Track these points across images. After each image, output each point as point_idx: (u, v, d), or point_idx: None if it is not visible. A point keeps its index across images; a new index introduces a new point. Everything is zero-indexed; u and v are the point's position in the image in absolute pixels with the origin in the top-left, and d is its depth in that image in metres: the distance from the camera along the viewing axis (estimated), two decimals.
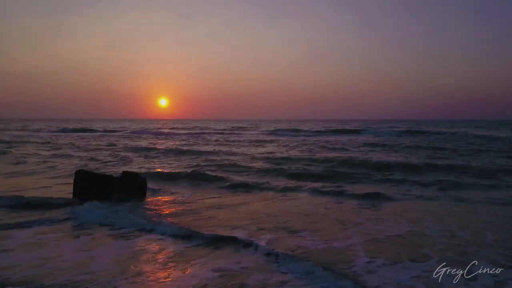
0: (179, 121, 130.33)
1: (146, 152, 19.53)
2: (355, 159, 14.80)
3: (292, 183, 10.29)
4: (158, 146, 22.57)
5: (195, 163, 14.48)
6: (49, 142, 26.36)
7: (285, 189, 9.48)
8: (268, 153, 18.27)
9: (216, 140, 28.94)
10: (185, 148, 21.18)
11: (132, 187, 8.47)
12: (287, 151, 19.68)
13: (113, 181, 8.51)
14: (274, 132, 41.76)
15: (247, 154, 17.66)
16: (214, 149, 20.54)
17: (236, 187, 9.86)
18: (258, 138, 31.05)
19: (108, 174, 9.43)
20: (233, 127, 57.89)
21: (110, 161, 15.63)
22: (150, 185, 9.27)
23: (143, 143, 25.76)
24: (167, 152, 19.37)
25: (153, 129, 52.24)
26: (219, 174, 11.77)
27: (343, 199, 8.30)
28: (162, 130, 48.29)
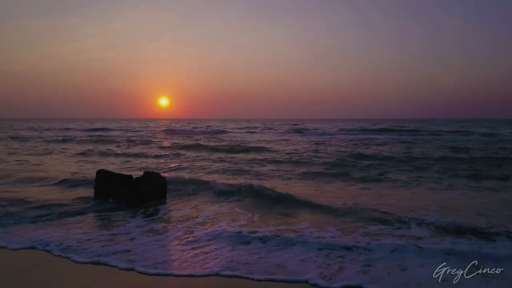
0: (187, 120, 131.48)
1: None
2: None
3: None
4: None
5: None
6: (150, 142, 26.82)
7: None
8: None
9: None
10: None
11: (153, 188, 8.33)
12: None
13: (133, 182, 8.40)
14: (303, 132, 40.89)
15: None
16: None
17: None
18: (313, 139, 29.84)
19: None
20: (248, 127, 57.66)
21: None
22: None
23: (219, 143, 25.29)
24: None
25: (172, 128, 52.18)
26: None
27: None
28: (182, 129, 48.97)
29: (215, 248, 5.07)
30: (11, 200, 8.03)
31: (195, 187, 9.62)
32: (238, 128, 53.69)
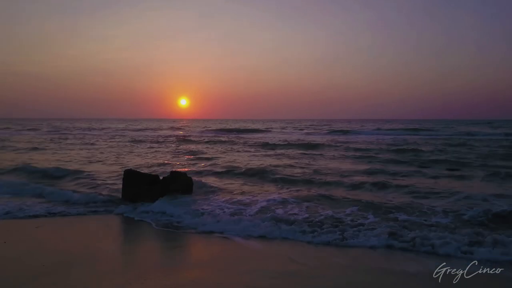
0: (211, 121, 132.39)
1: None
2: None
3: None
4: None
5: None
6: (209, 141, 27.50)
7: None
8: None
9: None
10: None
11: (180, 187, 8.50)
12: None
13: (160, 182, 8.57)
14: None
15: None
16: None
17: None
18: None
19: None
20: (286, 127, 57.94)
21: None
22: None
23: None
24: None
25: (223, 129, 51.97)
26: None
27: None
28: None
29: None
30: None
31: None
32: (281, 129, 53.69)
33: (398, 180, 10.79)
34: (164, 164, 14.74)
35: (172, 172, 8.88)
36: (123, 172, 8.79)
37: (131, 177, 8.65)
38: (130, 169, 9.22)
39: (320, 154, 18.23)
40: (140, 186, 8.42)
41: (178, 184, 8.47)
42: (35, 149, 21.33)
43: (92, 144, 25.77)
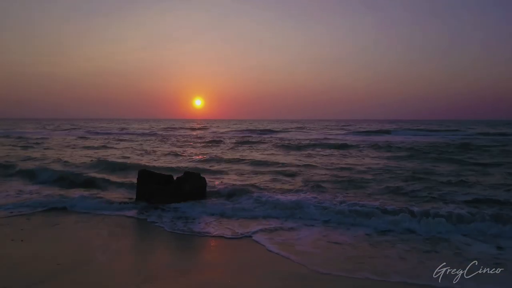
0: (226, 121, 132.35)
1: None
2: None
3: None
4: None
5: None
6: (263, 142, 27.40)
7: None
8: None
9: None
10: None
11: (193, 187, 8.48)
12: None
13: (174, 182, 8.57)
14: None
15: None
16: None
17: None
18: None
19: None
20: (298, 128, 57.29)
21: None
22: None
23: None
24: None
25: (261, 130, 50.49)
26: None
27: None
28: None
29: None
30: None
31: None
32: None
33: None
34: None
35: (185, 172, 8.88)
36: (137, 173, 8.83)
37: (146, 177, 8.69)
38: (145, 169, 9.26)
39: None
40: (153, 186, 8.44)
41: (191, 184, 8.45)
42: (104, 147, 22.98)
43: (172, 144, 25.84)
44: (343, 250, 5.34)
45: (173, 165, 14.28)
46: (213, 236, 6.13)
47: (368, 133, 40.42)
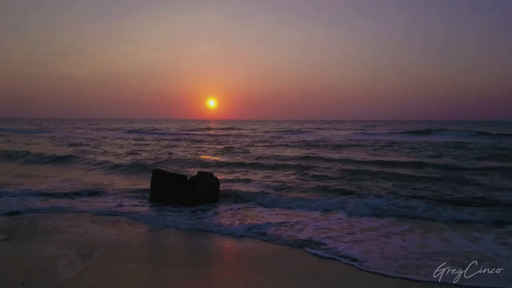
0: (244, 121, 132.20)
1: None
2: None
3: None
4: None
5: None
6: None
7: None
8: None
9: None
10: None
11: (205, 188, 8.53)
12: None
13: (187, 181, 8.64)
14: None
15: None
16: None
17: None
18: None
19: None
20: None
21: None
22: None
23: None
24: None
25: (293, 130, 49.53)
26: None
27: None
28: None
29: None
30: None
31: None
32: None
33: None
34: None
35: (199, 172, 8.95)
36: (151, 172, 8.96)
37: (159, 177, 8.80)
38: (159, 169, 9.39)
39: None
40: (161, 186, 8.53)
41: (203, 184, 8.51)
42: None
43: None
44: None
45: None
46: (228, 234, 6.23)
47: (418, 133, 37.84)
